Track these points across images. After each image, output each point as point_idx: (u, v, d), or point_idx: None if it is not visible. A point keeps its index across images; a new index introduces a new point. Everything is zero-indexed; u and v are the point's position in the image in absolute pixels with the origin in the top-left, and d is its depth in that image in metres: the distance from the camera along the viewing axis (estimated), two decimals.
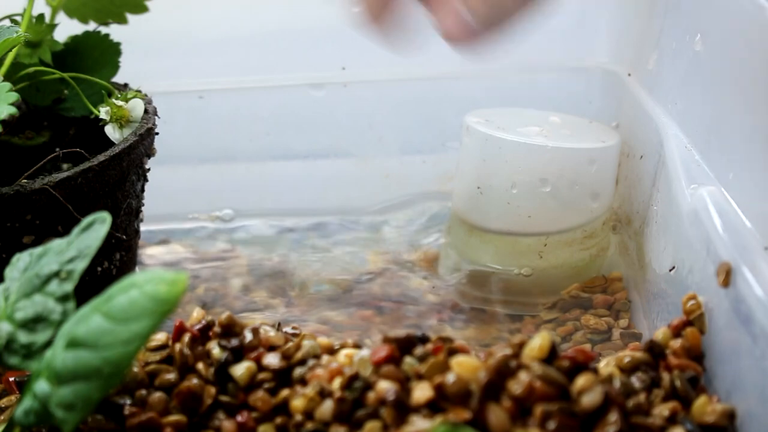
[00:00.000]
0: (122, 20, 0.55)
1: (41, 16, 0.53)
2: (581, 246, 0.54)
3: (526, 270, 0.54)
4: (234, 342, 0.41)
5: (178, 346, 0.41)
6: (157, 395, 0.39)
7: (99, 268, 0.50)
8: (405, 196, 0.65)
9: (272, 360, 0.40)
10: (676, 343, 0.41)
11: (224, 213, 0.64)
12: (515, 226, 0.54)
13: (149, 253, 0.61)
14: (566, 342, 0.51)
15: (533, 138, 0.53)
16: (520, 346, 0.39)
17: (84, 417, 0.34)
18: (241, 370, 0.40)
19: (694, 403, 0.39)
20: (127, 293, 0.34)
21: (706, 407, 0.39)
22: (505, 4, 0.42)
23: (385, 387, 0.37)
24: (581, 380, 0.37)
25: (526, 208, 0.53)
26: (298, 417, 0.38)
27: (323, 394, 0.38)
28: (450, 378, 0.37)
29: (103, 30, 0.55)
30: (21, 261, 0.39)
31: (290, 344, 0.41)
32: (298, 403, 0.38)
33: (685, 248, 0.45)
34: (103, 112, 0.50)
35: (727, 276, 0.40)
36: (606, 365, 0.40)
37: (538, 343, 0.38)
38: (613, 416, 0.36)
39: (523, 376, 0.37)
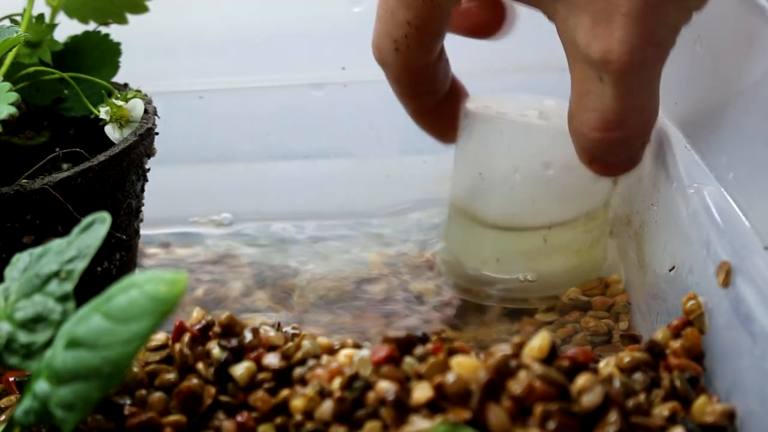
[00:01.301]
0: (122, 20, 0.55)
1: (41, 16, 0.53)
2: (584, 228, 0.54)
3: (532, 275, 0.54)
4: (234, 342, 0.41)
5: (178, 346, 0.41)
6: (157, 395, 0.39)
7: (99, 268, 0.50)
8: (405, 196, 0.65)
9: (272, 360, 0.40)
10: (676, 343, 0.41)
11: (223, 217, 0.63)
12: (519, 212, 0.53)
13: (149, 256, 0.60)
14: (566, 344, 0.51)
15: (534, 121, 0.53)
16: (520, 346, 0.39)
17: (84, 417, 0.34)
18: (241, 370, 0.40)
19: (694, 403, 0.39)
20: (127, 293, 0.34)
21: (706, 407, 0.39)
22: (630, 137, 0.46)
23: (385, 387, 0.37)
24: (581, 380, 0.37)
25: (529, 193, 0.52)
26: (298, 417, 0.38)
27: (323, 394, 0.38)
28: (450, 378, 0.37)
29: (103, 30, 0.55)
30: (21, 261, 0.39)
31: (290, 344, 0.41)
32: (298, 403, 0.38)
33: (685, 248, 0.45)
34: (103, 112, 0.50)
35: (727, 276, 0.40)
36: (606, 365, 0.40)
37: (538, 343, 0.38)
38: (613, 416, 0.36)
39: (523, 376, 0.37)
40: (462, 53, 0.52)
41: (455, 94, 0.54)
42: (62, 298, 0.36)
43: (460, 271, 0.56)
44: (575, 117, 0.46)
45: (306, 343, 0.41)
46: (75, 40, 0.54)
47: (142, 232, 0.54)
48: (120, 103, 0.50)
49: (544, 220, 0.53)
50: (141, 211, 0.53)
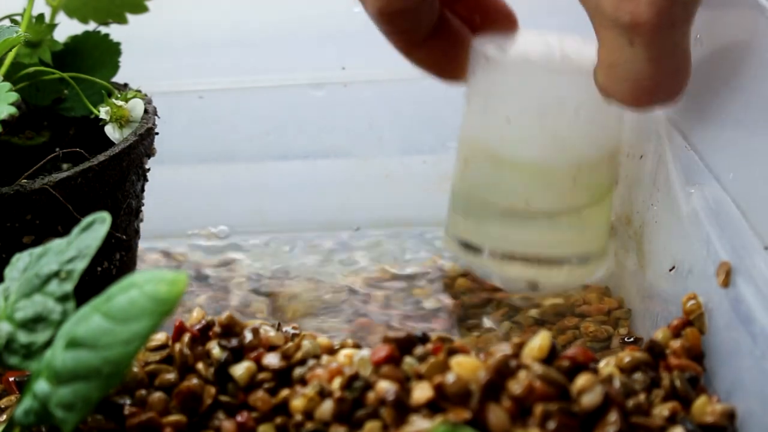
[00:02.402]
0: (122, 20, 0.55)
1: (41, 16, 0.53)
2: (607, 170, 0.52)
3: (545, 282, 0.53)
4: (234, 342, 0.41)
5: (178, 346, 0.41)
6: (157, 395, 0.39)
7: (99, 268, 0.50)
8: (405, 196, 0.65)
9: (272, 360, 0.40)
10: (676, 343, 0.41)
11: (220, 229, 0.63)
12: (548, 154, 0.51)
13: (149, 263, 0.60)
14: (566, 350, 0.51)
15: (559, 65, 0.51)
16: (520, 346, 0.39)
17: (84, 417, 0.34)
18: (241, 370, 0.40)
19: (694, 403, 0.39)
20: (127, 293, 0.34)
21: (706, 407, 0.39)
22: (665, 100, 0.45)
23: (385, 387, 0.37)
24: (581, 380, 0.37)
25: (556, 137, 0.51)
26: (298, 417, 0.38)
27: (323, 394, 0.38)
28: (450, 378, 0.37)
29: (103, 30, 0.55)
30: (21, 261, 0.39)
31: (290, 344, 0.41)
32: (298, 403, 0.38)
33: (685, 248, 0.45)
34: (103, 112, 0.50)
35: (727, 276, 0.40)
36: (606, 365, 0.40)
37: (538, 343, 0.38)
38: (613, 416, 0.36)
39: (523, 376, 0.37)
40: None
41: (454, 29, 0.52)
42: (62, 298, 0.36)
43: (465, 246, 0.54)
44: (609, 87, 0.45)
45: (306, 343, 0.41)
46: (75, 40, 0.54)
47: (140, 244, 0.54)
48: (120, 103, 0.50)
49: (572, 160, 0.51)
50: (141, 211, 0.53)
